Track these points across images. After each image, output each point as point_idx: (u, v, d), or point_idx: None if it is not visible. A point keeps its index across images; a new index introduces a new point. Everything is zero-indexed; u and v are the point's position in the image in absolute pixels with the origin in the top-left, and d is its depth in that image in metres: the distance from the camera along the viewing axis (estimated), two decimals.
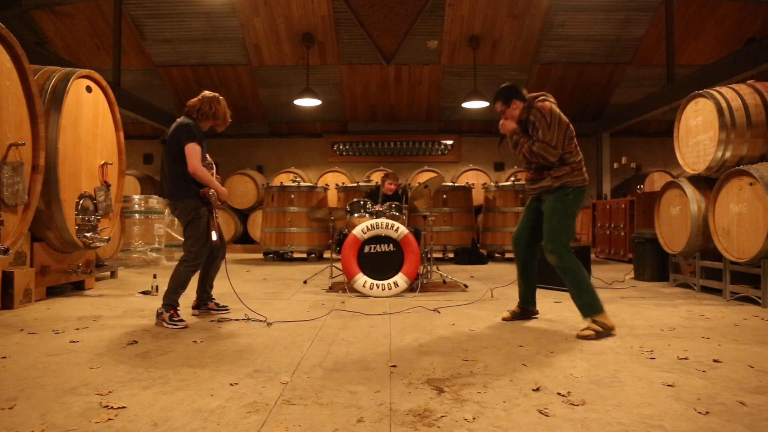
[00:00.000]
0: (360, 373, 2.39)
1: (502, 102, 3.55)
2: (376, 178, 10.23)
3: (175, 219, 8.48)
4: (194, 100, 3.71)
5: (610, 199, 9.64)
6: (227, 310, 3.90)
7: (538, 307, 3.84)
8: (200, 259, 3.59)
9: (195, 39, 9.60)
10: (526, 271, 3.74)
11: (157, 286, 4.81)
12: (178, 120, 3.63)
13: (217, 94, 3.77)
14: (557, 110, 3.37)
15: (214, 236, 3.56)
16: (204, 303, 3.89)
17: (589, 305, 3.26)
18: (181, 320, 3.43)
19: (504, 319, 3.70)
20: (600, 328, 3.15)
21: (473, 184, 9.37)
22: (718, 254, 4.74)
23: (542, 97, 3.48)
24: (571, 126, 3.40)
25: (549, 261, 3.43)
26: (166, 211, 8.17)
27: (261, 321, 3.57)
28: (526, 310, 3.76)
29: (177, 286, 3.52)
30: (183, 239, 3.63)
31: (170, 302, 3.48)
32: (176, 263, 3.63)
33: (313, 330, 3.32)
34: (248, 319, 3.62)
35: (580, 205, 3.46)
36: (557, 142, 3.32)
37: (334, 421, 1.83)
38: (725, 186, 4.57)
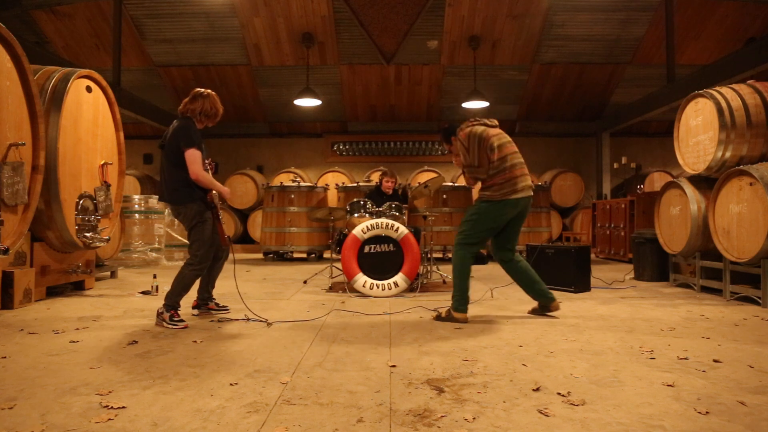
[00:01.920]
0: (360, 373, 2.39)
1: (445, 142, 4.03)
2: (376, 178, 10.23)
3: (176, 219, 8.50)
4: (195, 102, 3.63)
5: (610, 199, 9.64)
6: (227, 310, 3.90)
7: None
8: (205, 263, 3.57)
9: (195, 39, 9.61)
10: (514, 273, 3.88)
11: (157, 286, 4.81)
12: (176, 123, 3.59)
13: (210, 91, 3.72)
14: (475, 132, 3.68)
15: (224, 239, 3.61)
16: (204, 303, 3.89)
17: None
18: (181, 320, 3.43)
19: (528, 312, 3.92)
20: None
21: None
22: (718, 254, 4.74)
23: (464, 125, 3.82)
24: (491, 140, 3.67)
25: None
26: (166, 211, 8.17)
27: (261, 321, 3.57)
28: (541, 306, 3.87)
29: (180, 288, 3.50)
30: (188, 242, 3.62)
31: (172, 303, 3.47)
32: (178, 263, 3.63)
33: (313, 330, 3.32)
34: (248, 319, 3.62)
35: (494, 214, 3.69)
36: (479, 161, 3.66)
37: (334, 421, 1.83)
38: (725, 186, 4.57)
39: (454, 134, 3.89)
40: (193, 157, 3.45)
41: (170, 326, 3.37)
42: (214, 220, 3.58)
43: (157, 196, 3.84)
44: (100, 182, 5.09)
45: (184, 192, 3.49)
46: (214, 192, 3.54)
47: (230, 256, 3.90)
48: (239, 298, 4.01)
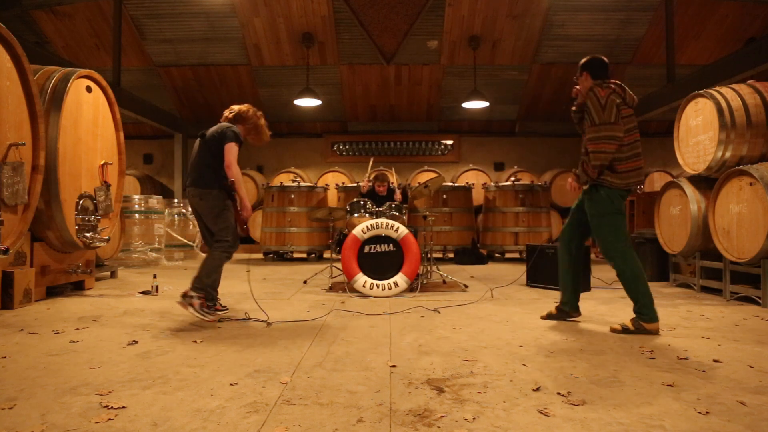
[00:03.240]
0: (360, 373, 2.39)
1: (582, 71, 3.50)
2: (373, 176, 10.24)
3: (175, 218, 8.50)
4: (241, 108, 3.88)
5: None
6: (226, 309, 3.89)
7: (539, 306, 3.84)
8: (235, 248, 3.66)
9: (195, 39, 9.60)
10: (567, 269, 3.65)
11: (157, 286, 4.81)
12: (224, 123, 3.77)
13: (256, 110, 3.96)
14: (614, 101, 3.25)
15: (243, 227, 3.70)
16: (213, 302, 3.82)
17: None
18: (212, 313, 3.45)
19: (542, 317, 3.71)
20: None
21: (473, 184, 9.37)
22: (718, 254, 4.74)
23: (605, 84, 3.36)
24: (626, 120, 3.30)
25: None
26: (166, 211, 8.17)
27: (261, 321, 3.57)
28: (561, 311, 3.68)
29: (210, 270, 3.54)
30: (215, 229, 3.65)
31: (202, 286, 3.49)
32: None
33: (313, 330, 3.32)
34: (248, 319, 3.62)
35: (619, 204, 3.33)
36: (616, 119, 3.23)
37: (334, 421, 1.83)
38: (725, 186, 4.57)
39: (594, 76, 3.39)
40: (234, 149, 3.61)
41: (198, 314, 3.39)
42: (235, 210, 3.69)
43: (183, 188, 3.92)
44: (100, 182, 5.09)
45: (211, 176, 3.60)
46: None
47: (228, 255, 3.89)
48: (240, 298, 4.00)
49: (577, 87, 3.48)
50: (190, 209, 8.51)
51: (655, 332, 3.17)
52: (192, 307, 3.40)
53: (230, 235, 3.62)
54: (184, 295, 3.47)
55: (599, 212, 3.35)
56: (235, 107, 3.89)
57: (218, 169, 3.61)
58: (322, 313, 3.90)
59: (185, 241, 8.41)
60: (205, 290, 3.52)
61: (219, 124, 3.77)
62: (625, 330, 3.22)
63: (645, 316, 3.20)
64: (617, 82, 3.37)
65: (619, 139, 3.24)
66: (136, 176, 10.89)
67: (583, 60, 3.45)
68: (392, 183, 6.98)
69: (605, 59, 3.42)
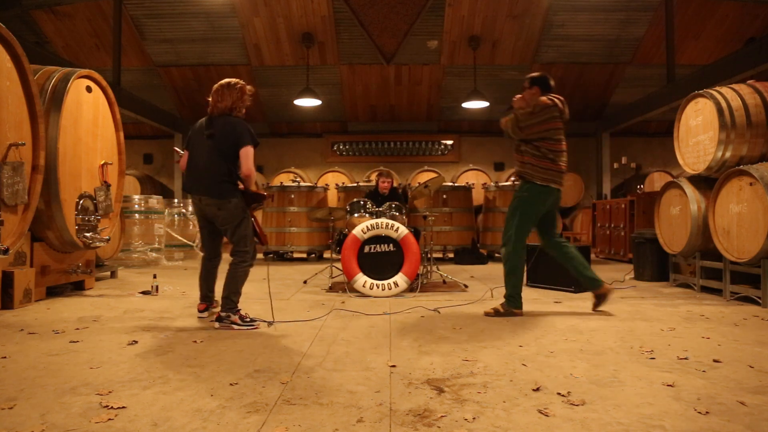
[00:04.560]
0: (360, 373, 2.39)
1: (530, 84, 3.99)
2: (375, 177, 10.25)
3: (175, 218, 8.49)
4: (242, 99, 3.49)
5: (610, 199, 9.64)
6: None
7: (539, 306, 3.86)
8: (255, 257, 3.56)
9: (195, 39, 9.60)
10: (562, 257, 4.04)
11: (157, 286, 4.81)
12: (232, 119, 3.44)
13: (228, 82, 3.51)
14: (551, 113, 3.78)
15: (264, 235, 3.62)
16: (210, 303, 3.80)
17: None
18: (254, 320, 3.41)
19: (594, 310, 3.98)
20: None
21: (473, 184, 9.37)
22: (718, 254, 4.74)
23: (549, 96, 3.87)
24: (558, 132, 3.82)
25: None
26: (166, 211, 8.17)
27: (262, 321, 3.57)
28: (595, 295, 3.98)
29: (238, 287, 3.45)
30: (234, 240, 3.48)
31: (234, 305, 3.42)
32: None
33: (313, 330, 3.32)
34: (248, 319, 3.61)
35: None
36: (528, 128, 3.80)
37: (334, 421, 1.83)
38: (725, 186, 4.57)
39: (543, 90, 3.88)
40: (252, 154, 3.38)
41: (245, 327, 3.33)
42: (253, 218, 3.57)
43: (185, 188, 3.59)
44: (100, 182, 5.09)
45: (229, 186, 3.38)
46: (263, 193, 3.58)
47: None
48: (240, 298, 3.99)
49: (518, 96, 3.96)
50: (191, 209, 8.50)
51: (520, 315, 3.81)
52: (236, 324, 3.34)
53: (249, 245, 3.48)
54: (220, 319, 3.38)
55: (522, 198, 3.88)
56: (227, 99, 3.43)
57: (234, 174, 3.38)
58: (322, 313, 3.90)
59: (185, 241, 8.41)
60: (233, 301, 3.41)
61: (225, 119, 3.43)
62: (497, 313, 3.81)
63: (513, 302, 3.82)
64: (560, 97, 3.87)
65: (511, 137, 3.92)
66: (136, 176, 10.90)
67: (535, 75, 3.97)
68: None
69: (551, 78, 4.00)
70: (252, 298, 4.56)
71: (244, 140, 3.37)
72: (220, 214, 3.42)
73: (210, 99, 3.51)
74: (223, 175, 3.37)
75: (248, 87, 3.57)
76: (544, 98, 3.76)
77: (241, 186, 3.47)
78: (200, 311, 3.75)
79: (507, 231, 3.88)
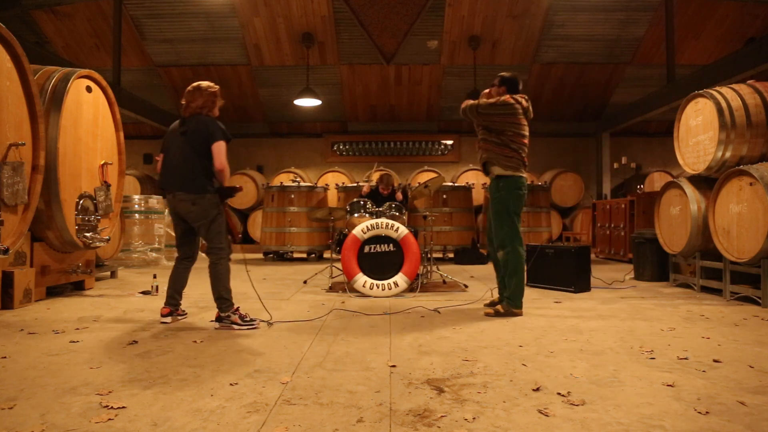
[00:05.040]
0: (360, 373, 2.39)
1: (498, 84, 4.09)
2: (376, 177, 10.25)
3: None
4: (215, 103, 3.57)
5: (610, 199, 9.64)
6: (186, 315, 3.74)
7: (539, 306, 3.86)
8: (230, 251, 3.53)
9: (195, 39, 9.61)
10: (496, 263, 4.09)
11: (157, 286, 4.81)
12: (203, 117, 3.50)
13: (198, 84, 3.59)
14: (514, 109, 3.90)
15: (236, 233, 3.56)
16: (175, 308, 3.63)
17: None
18: (254, 320, 3.40)
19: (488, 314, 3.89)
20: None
21: (473, 184, 9.37)
22: (718, 254, 4.74)
23: (514, 96, 3.98)
24: (522, 127, 3.93)
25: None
26: (166, 211, 8.15)
27: (262, 321, 3.57)
28: (498, 304, 3.97)
29: (224, 283, 3.43)
30: (209, 237, 3.46)
31: (230, 302, 3.41)
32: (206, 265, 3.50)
33: (313, 330, 3.32)
34: (248, 319, 3.61)
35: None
36: (487, 118, 3.95)
37: (334, 421, 1.83)
38: (725, 186, 4.57)
39: (509, 90, 4.00)
40: (225, 149, 3.43)
41: (245, 327, 3.32)
42: (228, 216, 3.54)
43: (161, 186, 3.59)
44: (100, 182, 5.09)
45: (204, 181, 3.41)
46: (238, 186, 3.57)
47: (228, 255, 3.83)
48: (240, 298, 4.00)
49: (486, 91, 4.13)
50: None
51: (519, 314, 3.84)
52: (236, 324, 3.33)
53: (224, 241, 3.48)
54: (219, 319, 3.38)
55: (501, 197, 3.97)
56: (199, 99, 3.50)
57: (208, 170, 3.42)
58: (322, 313, 3.90)
59: None
60: (227, 299, 3.41)
61: (197, 118, 3.48)
62: (497, 313, 3.83)
63: (513, 303, 3.83)
64: (525, 96, 4.01)
65: (468, 117, 4.04)
66: (136, 176, 10.89)
67: (506, 75, 4.07)
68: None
69: (520, 81, 4.11)
70: (252, 298, 4.56)
71: (216, 136, 3.42)
72: (194, 210, 3.43)
73: (183, 101, 3.60)
74: (197, 170, 3.41)
75: (218, 89, 3.65)
76: (507, 96, 3.93)
77: (216, 185, 3.49)
78: (163, 315, 3.54)
79: (498, 234, 3.93)
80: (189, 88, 3.59)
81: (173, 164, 3.50)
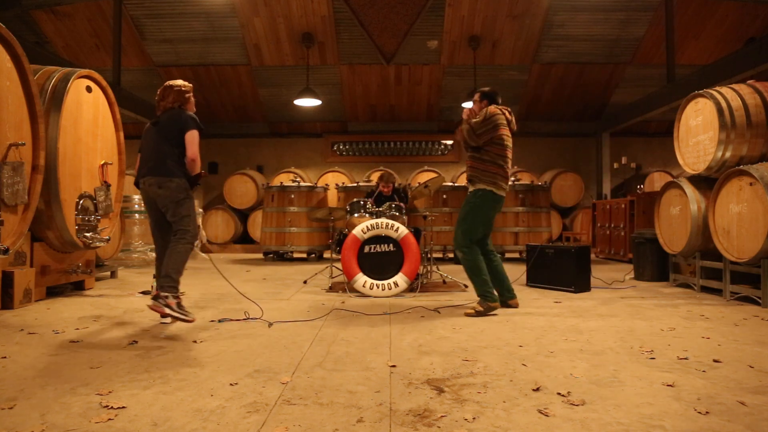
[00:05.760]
0: (360, 373, 2.39)
1: (479, 98, 4.24)
2: (376, 178, 10.25)
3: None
4: (171, 97, 3.63)
5: (610, 199, 9.64)
6: (184, 294, 3.69)
7: (539, 306, 3.85)
8: (195, 239, 3.51)
9: (195, 39, 9.60)
10: (487, 266, 4.13)
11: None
12: (176, 110, 3.60)
13: (168, 83, 3.69)
14: (499, 121, 3.99)
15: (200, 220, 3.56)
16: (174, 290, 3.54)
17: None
18: (189, 313, 3.28)
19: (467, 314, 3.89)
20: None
21: None
22: (718, 254, 4.74)
23: (495, 108, 4.08)
24: (504, 139, 4.01)
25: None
26: None
27: (262, 320, 3.56)
28: (503, 303, 4.07)
29: (179, 265, 3.35)
30: (174, 219, 3.46)
31: (176, 284, 3.30)
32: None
33: (313, 330, 3.32)
34: (248, 319, 3.62)
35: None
36: (482, 136, 3.99)
37: (334, 421, 1.83)
38: (725, 186, 4.57)
39: (490, 103, 4.13)
40: (198, 139, 3.50)
41: (177, 314, 3.18)
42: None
43: (135, 181, 3.73)
44: (100, 182, 5.09)
45: (173, 165, 3.46)
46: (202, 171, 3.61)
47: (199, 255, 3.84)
48: (240, 298, 4.00)
49: (468, 108, 4.21)
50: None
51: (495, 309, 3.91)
52: (169, 308, 3.18)
53: (191, 225, 3.46)
54: (157, 297, 3.22)
55: (474, 204, 4.06)
56: (169, 96, 3.62)
57: (179, 157, 3.47)
58: (322, 313, 3.90)
59: None
60: (174, 280, 3.30)
61: (170, 111, 3.59)
62: (478, 313, 3.84)
63: (487, 297, 3.88)
64: (508, 108, 4.15)
65: (469, 144, 4.07)
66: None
67: (485, 90, 4.22)
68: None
69: (499, 95, 4.25)
70: (252, 298, 4.56)
71: (189, 125, 3.50)
72: (161, 193, 3.45)
73: (155, 100, 3.71)
74: (167, 156, 3.47)
75: (189, 86, 3.72)
76: (492, 107, 4.05)
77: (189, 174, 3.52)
78: (162, 316, 3.42)
79: (456, 233, 4.05)
80: (160, 88, 3.70)
81: (146, 155, 3.62)
